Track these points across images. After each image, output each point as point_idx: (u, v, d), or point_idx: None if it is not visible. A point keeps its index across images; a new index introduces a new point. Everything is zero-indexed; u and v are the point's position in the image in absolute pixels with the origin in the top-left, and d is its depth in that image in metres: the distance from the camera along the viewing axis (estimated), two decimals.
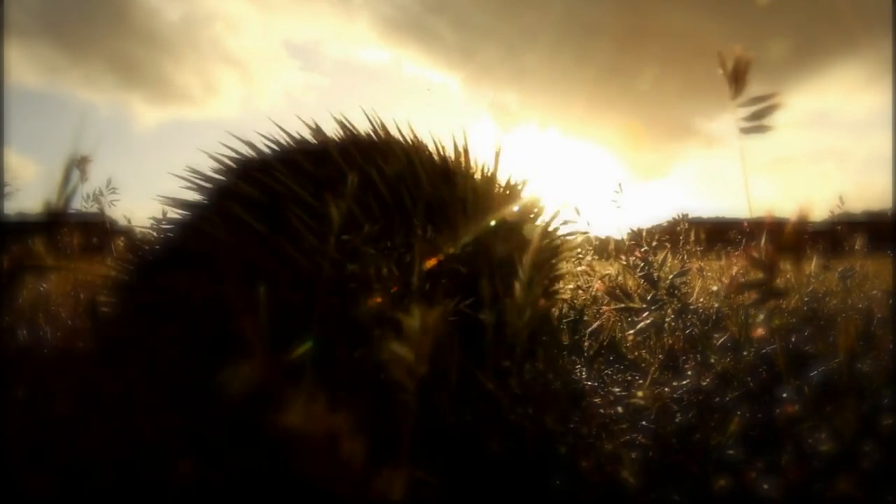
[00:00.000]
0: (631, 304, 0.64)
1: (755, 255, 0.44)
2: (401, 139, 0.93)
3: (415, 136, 0.95)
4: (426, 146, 0.94)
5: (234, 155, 0.90)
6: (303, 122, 0.93)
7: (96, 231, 1.59)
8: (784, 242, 0.41)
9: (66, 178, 0.51)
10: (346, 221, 0.55)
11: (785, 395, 0.64)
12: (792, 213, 0.41)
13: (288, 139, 0.90)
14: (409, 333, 0.35)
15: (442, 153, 0.92)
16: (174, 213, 0.88)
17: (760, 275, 0.43)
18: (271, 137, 0.91)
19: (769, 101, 0.44)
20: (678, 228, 1.47)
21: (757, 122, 0.45)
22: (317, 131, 0.93)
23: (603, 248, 1.84)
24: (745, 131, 0.47)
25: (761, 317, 0.69)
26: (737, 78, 0.45)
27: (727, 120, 0.53)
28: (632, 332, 0.70)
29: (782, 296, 0.46)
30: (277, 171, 0.78)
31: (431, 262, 0.68)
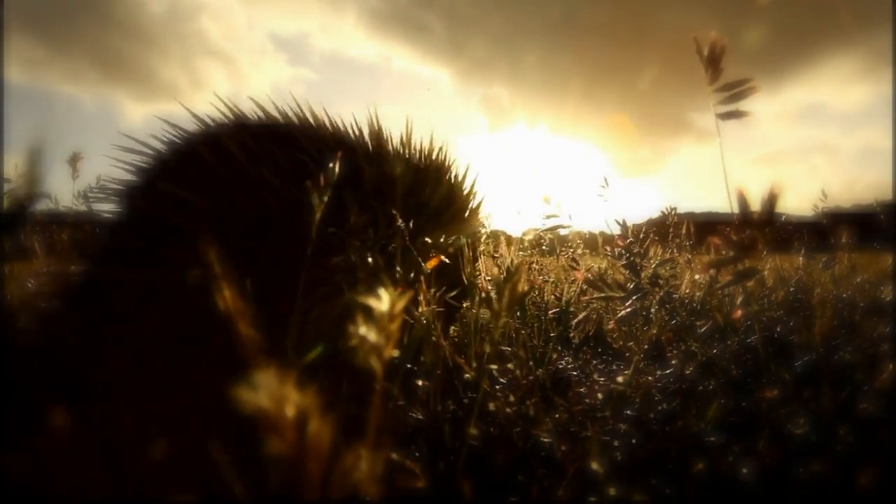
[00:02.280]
0: (611, 294, 0.64)
1: (730, 236, 0.44)
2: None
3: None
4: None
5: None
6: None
7: (86, 228, 1.58)
8: (757, 224, 0.41)
9: (33, 169, 0.51)
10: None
11: (765, 381, 0.64)
12: (763, 198, 0.41)
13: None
14: (377, 316, 0.35)
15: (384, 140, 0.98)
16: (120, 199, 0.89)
17: (734, 254, 0.44)
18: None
19: (744, 86, 0.45)
20: (668, 222, 1.47)
21: (733, 107, 0.46)
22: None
23: (594, 243, 1.85)
24: (722, 117, 0.47)
25: (739, 299, 0.69)
26: (713, 63, 0.45)
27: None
28: (613, 320, 0.70)
29: (756, 274, 0.46)
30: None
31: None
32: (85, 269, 0.88)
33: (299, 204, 0.56)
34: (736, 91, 0.46)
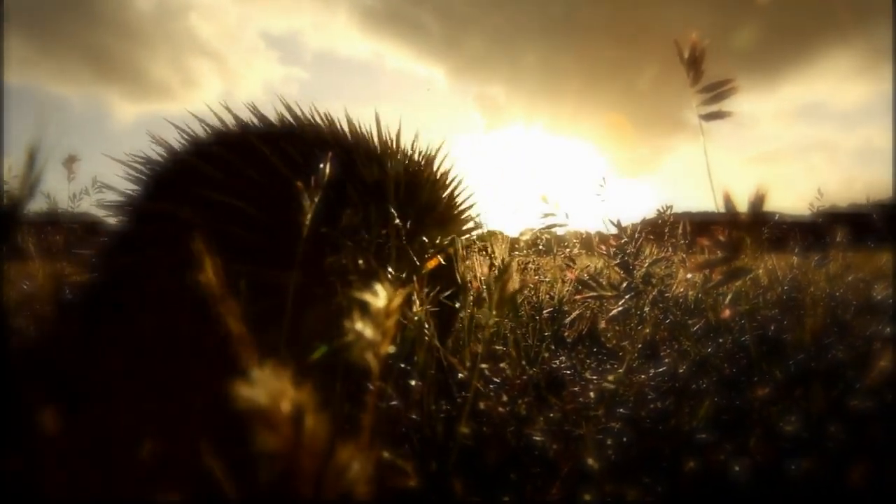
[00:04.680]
0: (602, 293, 0.65)
1: (719, 236, 0.45)
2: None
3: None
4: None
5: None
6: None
7: (82, 229, 1.58)
8: (744, 225, 0.42)
9: (29, 169, 0.51)
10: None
11: (757, 380, 0.65)
12: (750, 199, 0.42)
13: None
14: (373, 312, 0.35)
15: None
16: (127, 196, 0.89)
17: (724, 254, 0.44)
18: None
19: (726, 87, 0.45)
20: (663, 221, 1.47)
21: (715, 108, 0.46)
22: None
23: (592, 243, 1.86)
24: (705, 118, 0.48)
25: (729, 298, 0.70)
26: (694, 65, 0.45)
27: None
28: (605, 319, 0.71)
29: (746, 274, 0.47)
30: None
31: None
32: (88, 271, 0.89)
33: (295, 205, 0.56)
34: (717, 92, 0.47)
